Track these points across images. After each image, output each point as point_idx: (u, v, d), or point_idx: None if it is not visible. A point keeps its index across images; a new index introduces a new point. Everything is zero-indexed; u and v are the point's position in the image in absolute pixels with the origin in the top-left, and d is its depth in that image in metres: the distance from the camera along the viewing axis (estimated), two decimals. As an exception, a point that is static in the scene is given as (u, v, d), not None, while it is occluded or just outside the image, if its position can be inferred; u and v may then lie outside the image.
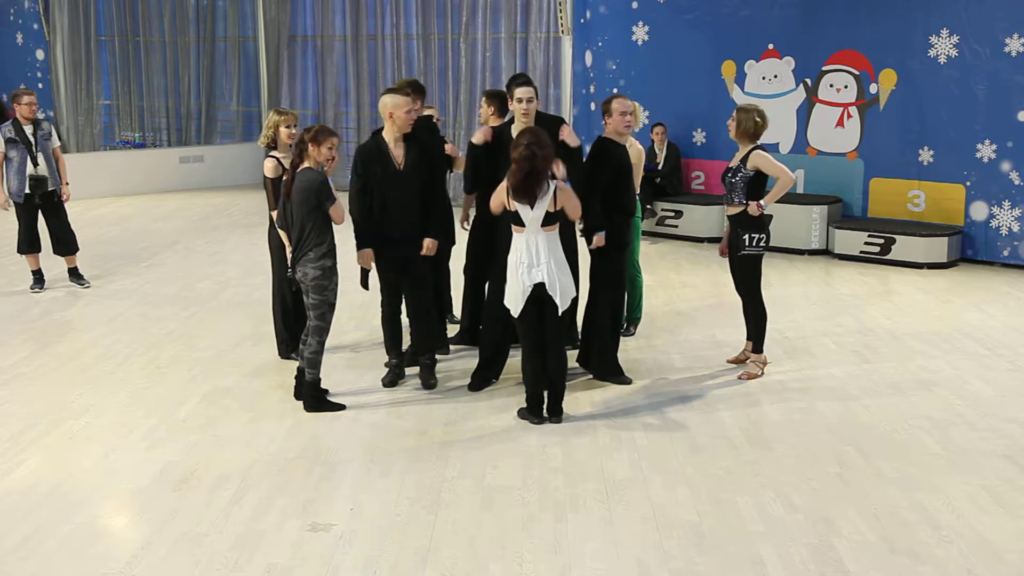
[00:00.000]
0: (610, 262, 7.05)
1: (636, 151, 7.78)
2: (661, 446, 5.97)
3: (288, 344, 7.61)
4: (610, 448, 5.93)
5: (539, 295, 6.20)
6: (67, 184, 9.93)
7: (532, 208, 6.13)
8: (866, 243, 11.28)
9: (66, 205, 10.05)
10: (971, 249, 11.23)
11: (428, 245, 6.80)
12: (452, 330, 8.13)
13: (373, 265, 6.85)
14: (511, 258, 6.25)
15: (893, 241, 11.10)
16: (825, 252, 11.70)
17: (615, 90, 13.26)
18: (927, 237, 10.99)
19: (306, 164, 6.37)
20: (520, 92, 6.85)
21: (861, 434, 6.17)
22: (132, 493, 5.38)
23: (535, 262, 6.16)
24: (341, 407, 6.59)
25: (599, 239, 6.94)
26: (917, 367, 7.51)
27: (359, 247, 6.76)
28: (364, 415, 6.51)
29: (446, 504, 5.20)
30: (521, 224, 6.18)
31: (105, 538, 4.91)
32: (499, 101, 7.63)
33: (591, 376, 7.20)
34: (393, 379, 7.09)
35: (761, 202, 6.98)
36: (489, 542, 4.79)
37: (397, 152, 6.67)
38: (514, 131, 6.78)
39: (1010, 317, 8.98)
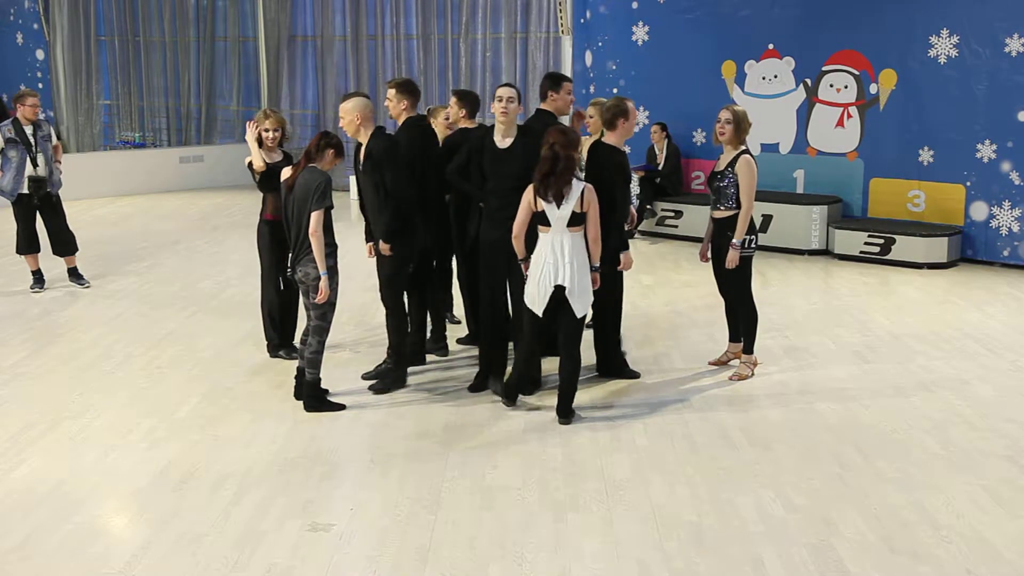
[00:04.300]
0: (613, 264, 7.03)
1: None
2: (661, 446, 5.97)
3: (277, 344, 7.63)
4: (610, 448, 5.93)
5: (558, 297, 6.20)
6: (60, 163, 9.98)
7: (559, 207, 6.14)
8: (866, 243, 11.28)
9: (65, 205, 10.06)
10: (971, 249, 11.23)
11: (372, 248, 6.89)
12: (453, 329, 8.14)
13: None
14: (535, 258, 6.26)
15: (893, 241, 11.10)
16: (825, 252, 11.71)
17: (615, 90, 13.28)
18: (927, 237, 10.99)
19: (313, 164, 6.41)
20: (501, 91, 6.80)
21: (861, 434, 6.17)
22: (132, 493, 5.38)
23: (560, 262, 6.17)
24: (341, 407, 6.59)
25: (628, 260, 6.92)
26: (917, 367, 7.51)
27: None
28: (364, 415, 6.51)
29: (446, 504, 5.19)
30: (547, 224, 6.18)
31: (105, 538, 4.91)
32: (469, 102, 7.56)
33: (595, 375, 7.21)
34: (376, 374, 7.18)
35: (734, 241, 6.95)
36: (489, 542, 4.79)
37: (363, 153, 6.84)
38: (497, 134, 6.75)
39: (1010, 317, 8.98)
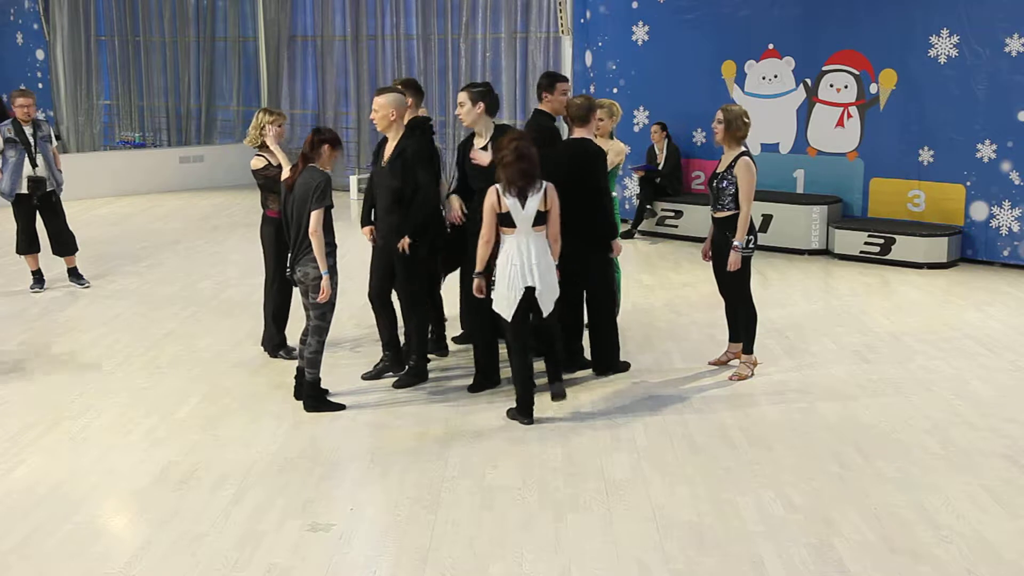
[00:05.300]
0: (601, 259, 7.05)
1: (618, 149, 7.75)
2: (661, 446, 5.97)
3: (277, 344, 7.63)
4: (610, 448, 5.93)
5: (529, 298, 6.22)
6: (60, 171, 9.95)
7: (524, 207, 6.14)
8: (866, 243, 11.28)
9: (65, 205, 10.05)
10: (971, 249, 11.23)
11: (400, 243, 6.84)
12: (452, 330, 8.14)
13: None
14: (501, 261, 6.24)
15: (893, 241, 11.09)
16: (825, 252, 11.70)
17: (615, 90, 13.29)
18: (927, 237, 10.99)
19: (312, 164, 6.41)
20: (459, 96, 6.92)
21: (861, 434, 6.17)
22: (132, 493, 5.38)
23: (527, 264, 6.17)
24: (341, 407, 6.59)
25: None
26: (917, 367, 7.51)
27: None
28: (364, 415, 6.51)
29: (446, 504, 5.20)
30: (511, 225, 6.18)
31: (105, 538, 4.91)
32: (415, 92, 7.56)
33: (593, 374, 7.21)
34: (375, 373, 7.18)
35: (735, 243, 6.95)
36: (489, 542, 4.79)
37: (388, 149, 6.90)
38: (476, 137, 6.92)
39: (1010, 317, 8.98)
